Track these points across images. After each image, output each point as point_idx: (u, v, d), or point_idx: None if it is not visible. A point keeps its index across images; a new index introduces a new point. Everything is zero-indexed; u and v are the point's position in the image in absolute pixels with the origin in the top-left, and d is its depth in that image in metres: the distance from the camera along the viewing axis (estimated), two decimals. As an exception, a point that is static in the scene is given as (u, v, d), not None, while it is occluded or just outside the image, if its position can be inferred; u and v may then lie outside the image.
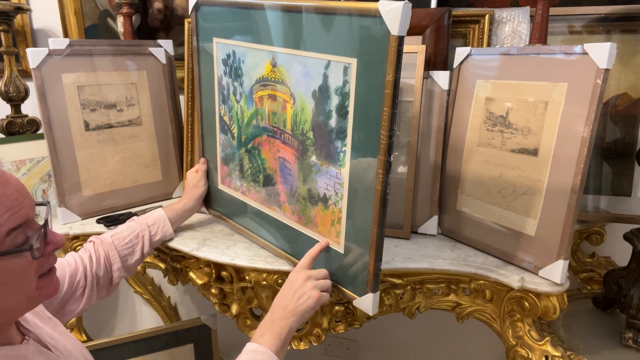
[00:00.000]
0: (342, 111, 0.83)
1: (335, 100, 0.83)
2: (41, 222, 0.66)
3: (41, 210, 0.72)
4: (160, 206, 1.22)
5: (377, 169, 0.78)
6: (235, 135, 1.09)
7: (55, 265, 0.91)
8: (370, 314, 0.87)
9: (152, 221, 1.08)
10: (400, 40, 0.70)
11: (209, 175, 1.20)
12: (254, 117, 1.02)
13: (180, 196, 1.26)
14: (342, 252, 0.89)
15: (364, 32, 0.75)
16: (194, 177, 1.18)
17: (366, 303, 0.87)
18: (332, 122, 0.85)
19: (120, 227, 1.06)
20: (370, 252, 0.83)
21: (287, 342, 0.84)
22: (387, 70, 0.72)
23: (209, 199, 1.21)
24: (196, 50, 1.14)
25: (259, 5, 0.93)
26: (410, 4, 0.70)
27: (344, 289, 0.90)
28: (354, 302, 0.89)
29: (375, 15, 0.72)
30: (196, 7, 1.10)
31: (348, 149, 0.83)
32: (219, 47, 1.07)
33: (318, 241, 0.93)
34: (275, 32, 0.92)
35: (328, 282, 0.89)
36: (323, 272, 0.90)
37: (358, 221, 0.85)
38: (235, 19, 1.00)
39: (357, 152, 0.82)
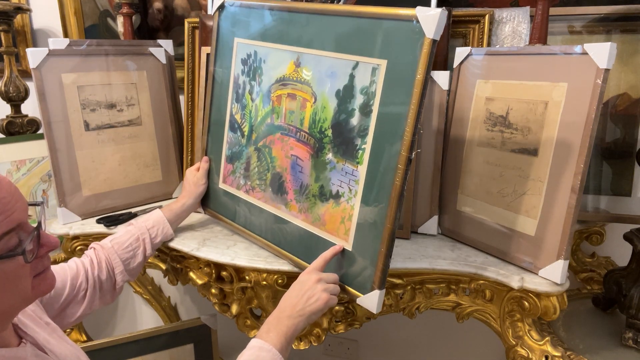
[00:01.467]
0: (366, 110, 0.85)
1: (359, 100, 0.86)
2: (35, 223, 0.65)
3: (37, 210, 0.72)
4: (160, 206, 1.22)
5: (397, 164, 0.80)
6: (246, 133, 1.09)
7: (57, 269, 0.91)
8: (375, 311, 0.87)
9: (151, 224, 1.08)
10: (434, 43, 0.75)
11: (208, 174, 1.20)
12: (269, 116, 1.03)
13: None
14: (350, 250, 0.89)
15: (398, 36, 0.80)
16: (195, 175, 1.18)
17: (371, 300, 0.87)
18: (354, 121, 0.87)
19: (119, 232, 1.05)
20: (381, 248, 0.84)
21: (292, 341, 0.84)
22: (419, 70, 0.77)
23: (207, 199, 1.21)
24: (214, 50, 1.14)
25: (290, 8, 0.96)
26: (447, 12, 0.75)
27: (347, 287, 0.91)
28: (358, 300, 0.89)
29: (412, 20, 0.77)
30: (221, 7, 1.11)
31: (368, 146, 0.85)
32: (240, 47, 1.08)
33: (323, 239, 0.94)
34: (303, 34, 0.95)
35: (337, 288, 0.89)
36: (334, 276, 0.90)
37: (370, 218, 0.86)
38: (262, 20, 1.03)
39: (378, 149, 0.84)
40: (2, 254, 0.60)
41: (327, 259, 0.90)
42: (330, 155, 0.91)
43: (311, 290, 0.85)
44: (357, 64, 0.86)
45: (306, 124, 0.95)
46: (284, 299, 0.86)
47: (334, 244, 0.92)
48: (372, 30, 0.83)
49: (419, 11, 0.76)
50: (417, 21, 0.76)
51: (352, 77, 0.87)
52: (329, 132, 0.91)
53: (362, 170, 0.86)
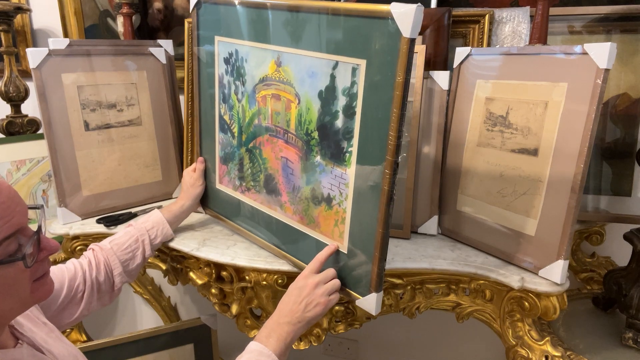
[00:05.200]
0: (349, 112, 0.83)
1: (342, 101, 0.84)
2: (35, 226, 0.65)
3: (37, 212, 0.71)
4: (160, 207, 1.22)
5: (384, 169, 0.78)
6: (236, 134, 1.09)
7: (55, 270, 0.91)
8: (374, 314, 0.87)
9: (151, 225, 1.08)
10: (412, 42, 0.71)
11: (206, 174, 1.20)
12: (256, 117, 1.02)
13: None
14: (345, 253, 0.89)
15: (375, 34, 0.76)
16: (192, 177, 1.18)
17: (369, 303, 0.87)
18: (339, 123, 0.85)
19: (118, 234, 1.05)
20: (374, 252, 0.83)
21: (290, 346, 0.84)
22: (398, 72, 0.73)
23: (206, 199, 1.21)
24: (196, 49, 1.14)
25: (265, 4, 0.93)
26: (423, 7, 0.70)
27: (346, 289, 0.90)
28: (357, 302, 0.89)
29: (387, 17, 0.73)
30: (197, 5, 1.10)
31: (354, 149, 0.83)
32: (221, 46, 1.07)
33: (319, 240, 0.93)
34: (281, 32, 0.92)
35: (337, 283, 0.89)
36: (331, 272, 0.89)
37: (363, 221, 0.85)
38: (239, 17, 1.00)
39: (364, 153, 0.82)
40: (2, 259, 0.60)
41: (322, 260, 0.89)
42: (318, 158, 0.90)
43: (309, 296, 0.85)
44: (336, 63, 0.83)
45: (292, 125, 0.94)
46: (283, 304, 0.86)
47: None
48: (349, 28, 0.79)
49: (394, 8, 0.71)
50: (392, 18, 0.72)
51: (333, 77, 0.84)
52: (316, 135, 0.90)
53: (350, 173, 0.85)
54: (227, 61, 1.06)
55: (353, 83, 0.81)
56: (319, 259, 0.89)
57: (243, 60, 1.02)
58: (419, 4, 0.71)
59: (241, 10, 0.99)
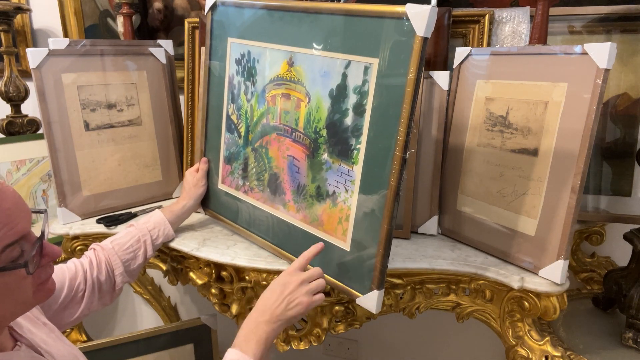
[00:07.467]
0: (359, 109, 0.85)
1: (353, 99, 0.86)
2: (37, 228, 0.65)
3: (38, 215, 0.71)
4: (160, 207, 1.22)
5: (392, 164, 0.80)
6: (242, 133, 1.09)
7: (56, 270, 0.91)
8: (374, 311, 0.87)
9: (152, 225, 1.08)
10: (425, 40, 0.74)
11: (208, 175, 1.20)
12: (265, 116, 1.03)
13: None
14: (348, 250, 0.89)
15: (389, 34, 0.78)
16: (194, 177, 1.18)
17: (370, 301, 0.87)
18: (348, 120, 0.87)
19: (120, 234, 1.05)
20: (378, 249, 0.84)
21: (270, 346, 0.81)
22: (410, 69, 0.76)
23: (207, 200, 1.21)
24: (208, 50, 1.14)
25: (282, 7, 0.95)
26: (437, 8, 0.73)
27: (347, 287, 0.90)
28: (357, 300, 0.89)
29: (402, 17, 0.75)
30: (213, 7, 1.11)
31: (362, 146, 0.85)
32: (234, 47, 1.08)
33: (322, 239, 0.93)
34: (295, 33, 0.94)
35: (321, 283, 0.86)
36: (317, 271, 0.87)
37: (367, 218, 0.86)
38: (255, 19, 1.02)
39: (372, 149, 0.84)
40: (5, 265, 0.60)
41: (308, 258, 0.88)
42: (325, 156, 0.91)
43: (293, 294, 0.83)
44: (349, 62, 0.85)
45: (301, 124, 0.95)
46: (263, 300, 0.84)
47: (333, 244, 0.92)
48: (363, 28, 0.83)
49: (409, 8, 0.75)
50: (407, 19, 0.75)
51: (344, 76, 0.86)
52: (324, 132, 0.91)
53: (357, 170, 0.86)
54: (238, 62, 1.07)
55: (364, 81, 0.83)
56: (306, 257, 0.88)
57: (255, 60, 1.03)
58: (433, 4, 0.72)
59: (257, 12, 1.01)
